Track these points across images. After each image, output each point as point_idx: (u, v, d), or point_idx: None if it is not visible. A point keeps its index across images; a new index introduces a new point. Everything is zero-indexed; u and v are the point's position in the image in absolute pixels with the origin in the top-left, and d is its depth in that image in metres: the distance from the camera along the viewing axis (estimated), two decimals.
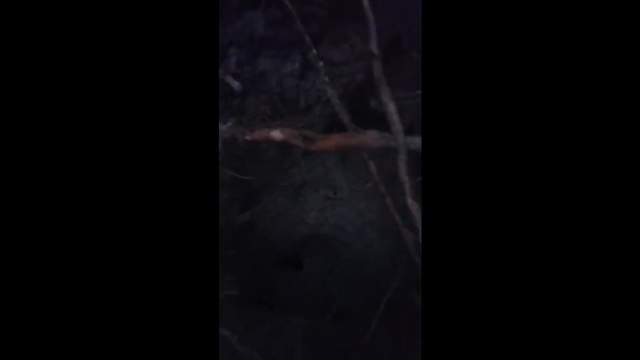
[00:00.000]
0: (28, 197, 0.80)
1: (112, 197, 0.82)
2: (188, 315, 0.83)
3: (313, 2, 1.75)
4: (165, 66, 0.84)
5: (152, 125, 0.84)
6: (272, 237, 1.96)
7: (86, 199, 0.81)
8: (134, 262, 0.82)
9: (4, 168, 0.80)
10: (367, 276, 1.89)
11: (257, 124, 1.52)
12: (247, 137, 1.44)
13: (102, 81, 0.82)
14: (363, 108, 1.74)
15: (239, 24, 1.76)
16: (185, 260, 0.84)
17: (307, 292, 1.90)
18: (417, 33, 1.01)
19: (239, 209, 1.92)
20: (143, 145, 0.83)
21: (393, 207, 1.48)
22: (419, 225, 1.29)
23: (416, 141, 1.32)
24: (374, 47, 1.39)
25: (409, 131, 1.36)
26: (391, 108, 1.36)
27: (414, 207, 1.26)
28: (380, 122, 1.42)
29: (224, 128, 1.46)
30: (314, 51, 1.55)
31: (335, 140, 1.43)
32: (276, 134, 1.42)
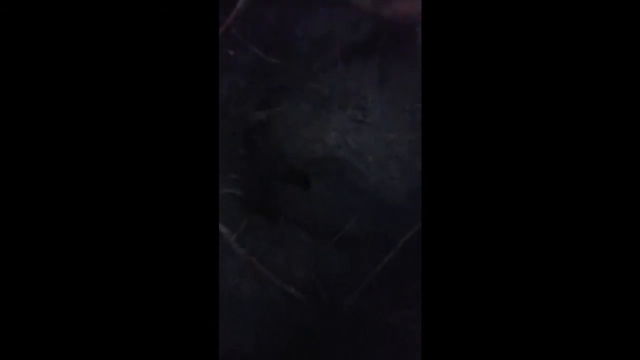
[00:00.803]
0: (25, 197, 0.80)
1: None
2: (187, 208, 0.83)
3: None
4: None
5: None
6: (284, 149, 1.75)
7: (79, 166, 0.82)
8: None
9: (4, 168, 0.80)
10: (380, 212, 1.71)
11: None
12: None
13: (101, 77, 0.83)
14: None
15: None
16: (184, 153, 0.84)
17: (312, 213, 1.70)
18: None
19: (255, 104, 1.68)
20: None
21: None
22: None
23: None
24: None
25: None
26: None
27: None
28: None
29: None
30: None
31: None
32: None
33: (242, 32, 1.41)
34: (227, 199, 1.49)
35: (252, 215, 1.57)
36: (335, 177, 1.75)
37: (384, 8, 1.05)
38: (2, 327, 0.79)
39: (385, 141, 1.75)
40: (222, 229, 1.36)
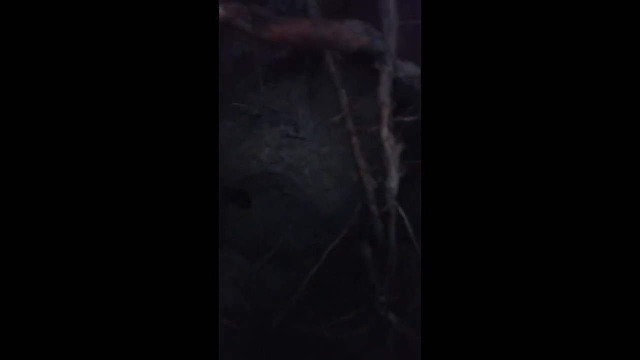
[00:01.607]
0: (25, 197, 0.80)
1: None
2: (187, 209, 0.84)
3: None
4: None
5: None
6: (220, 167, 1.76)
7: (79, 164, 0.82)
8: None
9: (4, 168, 0.80)
10: (316, 223, 1.73)
11: None
12: None
13: (99, 75, 0.83)
14: None
15: None
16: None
17: (252, 232, 1.73)
18: None
19: None
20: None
21: (359, 148, 1.30)
22: (391, 167, 1.11)
23: (412, 69, 1.09)
24: None
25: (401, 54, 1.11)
26: None
27: (390, 142, 1.07)
28: (368, 10, 1.12)
29: None
30: None
31: (299, 27, 1.04)
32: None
33: None
34: None
35: None
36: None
37: (264, 31, 1.04)
38: (2, 327, 0.79)
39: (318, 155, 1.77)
40: None
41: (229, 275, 1.60)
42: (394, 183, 1.19)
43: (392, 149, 1.07)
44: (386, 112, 1.05)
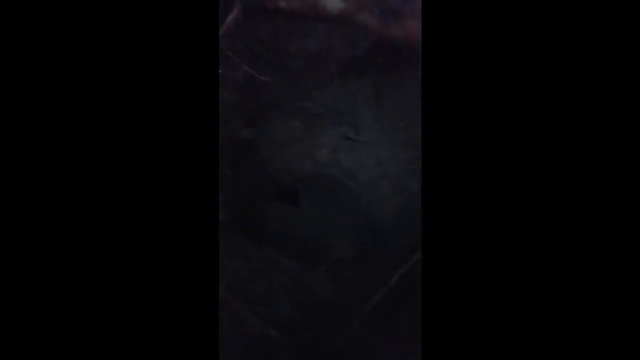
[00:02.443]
0: (25, 197, 0.81)
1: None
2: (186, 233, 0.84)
3: None
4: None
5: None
6: (273, 166, 1.67)
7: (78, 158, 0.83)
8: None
9: (4, 168, 0.80)
10: (372, 234, 1.66)
11: None
12: None
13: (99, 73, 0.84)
14: None
15: None
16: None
17: (300, 235, 1.64)
18: None
19: (245, 121, 1.59)
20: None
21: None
22: None
23: None
24: None
25: None
26: None
27: None
28: None
29: None
30: None
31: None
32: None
33: (233, 48, 1.32)
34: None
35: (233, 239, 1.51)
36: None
37: (392, 28, 0.98)
38: (2, 327, 0.80)
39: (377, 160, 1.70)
40: None
41: (275, 279, 1.51)
42: None
43: None
44: None
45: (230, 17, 1.22)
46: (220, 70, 1.25)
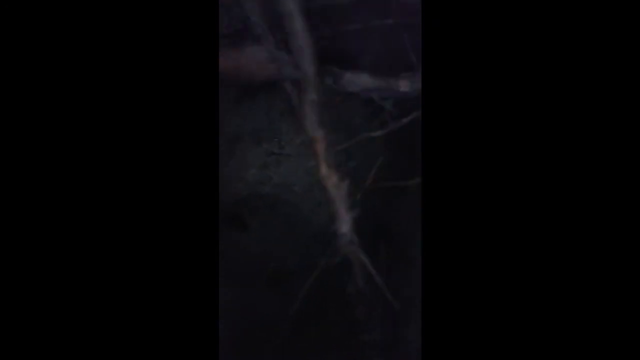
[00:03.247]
0: (24, 196, 0.82)
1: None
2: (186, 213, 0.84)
3: None
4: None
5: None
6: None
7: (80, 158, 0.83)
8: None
9: (4, 168, 0.81)
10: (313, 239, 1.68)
11: None
12: None
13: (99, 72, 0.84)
14: None
15: None
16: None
17: (249, 255, 1.70)
18: None
19: None
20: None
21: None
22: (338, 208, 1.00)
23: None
24: None
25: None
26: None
27: (331, 181, 0.98)
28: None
29: None
30: None
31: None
32: None
33: None
34: None
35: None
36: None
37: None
38: (2, 327, 0.81)
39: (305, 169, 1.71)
40: None
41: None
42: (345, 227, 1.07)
43: (336, 187, 0.96)
44: (319, 147, 0.95)
45: None
46: None
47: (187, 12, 0.85)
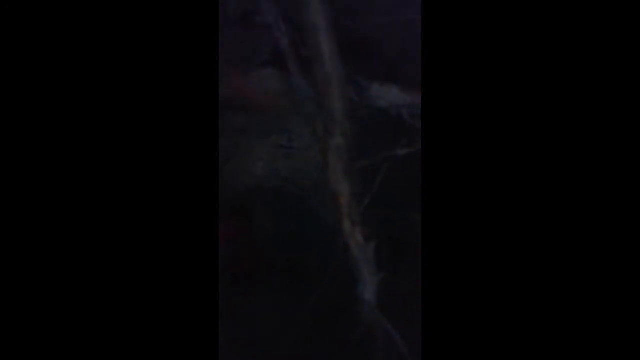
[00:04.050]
0: (24, 196, 0.81)
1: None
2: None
3: None
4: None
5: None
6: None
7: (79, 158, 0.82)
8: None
9: (4, 168, 0.81)
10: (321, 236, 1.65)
11: None
12: None
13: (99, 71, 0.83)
14: None
15: None
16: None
17: (256, 247, 1.64)
18: None
19: None
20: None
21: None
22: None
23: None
24: None
25: None
26: None
27: (355, 239, 0.89)
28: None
29: None
30: None
31: None
32: None
33: None
34: None
35: None
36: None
37: None
38: (2, 327, 0.82)
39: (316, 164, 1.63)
40: None
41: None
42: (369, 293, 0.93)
43: (361, 249, 0.82)
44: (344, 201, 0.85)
45: None
46: None
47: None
